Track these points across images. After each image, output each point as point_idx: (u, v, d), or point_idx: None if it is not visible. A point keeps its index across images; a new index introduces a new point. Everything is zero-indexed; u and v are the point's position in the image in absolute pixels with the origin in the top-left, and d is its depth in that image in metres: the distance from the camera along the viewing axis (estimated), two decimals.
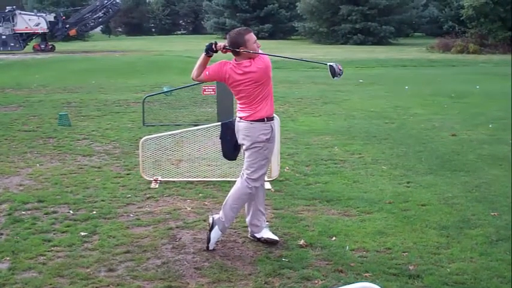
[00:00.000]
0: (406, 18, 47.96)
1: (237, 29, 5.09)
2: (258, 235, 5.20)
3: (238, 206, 5.09)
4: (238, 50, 4.86)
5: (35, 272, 4.60)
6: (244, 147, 5.07)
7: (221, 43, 4.98)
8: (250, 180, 5.00)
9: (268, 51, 5.65)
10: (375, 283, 2.88)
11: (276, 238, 5.18)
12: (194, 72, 5.10)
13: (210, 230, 5.03)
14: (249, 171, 5.02)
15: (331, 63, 4.91)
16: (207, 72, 5.04)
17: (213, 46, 4.92)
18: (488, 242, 5.15)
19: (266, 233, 5.19)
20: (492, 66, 24.03)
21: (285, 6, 54.85)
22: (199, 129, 7.72)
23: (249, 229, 5.29)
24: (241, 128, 5.02)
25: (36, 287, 4.33)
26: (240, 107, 5.05)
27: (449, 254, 4.92)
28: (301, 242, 5.17)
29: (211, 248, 5.00)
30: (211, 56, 5.01)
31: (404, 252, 4.95)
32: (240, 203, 5.09)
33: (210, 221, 5.06)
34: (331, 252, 4.99)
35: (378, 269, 4.61)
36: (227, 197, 5.13)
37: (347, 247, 5.07)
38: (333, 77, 4.92)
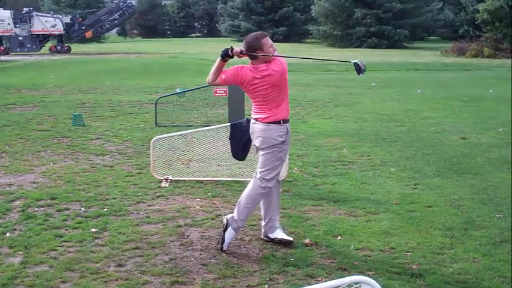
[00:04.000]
0: (421, 21, 47.79)
1: (254, 33, 5.12)
2: (271, 235, 5.26)
3: (252, 205, 5.15)
4: (255, 53, 4.92)
5: (46, 266, 4.74)
6: (259, 148, 5.11)
7: (237, 48, 5.03)
8: (264, 181, 5.06)
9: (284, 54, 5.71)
10: (376, 281, 2.95)
11: (290, 238, 5.23)
12: (210, 77, 5.13)
13: (224, 230, 5.08)
14: (263, 172, 5.06)
15: (355, 61, 4.97)
16: (223, 76, 5.07)
17: (230, 51, 4.96)
18: (491, 243, 5.20)
19: (280, 234, 5.25)
20: (506, 71, 23.89)
21: (300, 9, 54.90)
22: (209, 129, 7.84)
23: (263, 230, 5.35)
24: (257, 129, 5.06)
25: (47, 281, 4.46)
26: (256, 109, 5.08)
27: (452, 254, 4.99)
28: (307, 241, 5.26)
29: (225, 248, 5.06)
30: (226, 61, 5.05)
31: (408, 252, 5.03)
32: (253, 203, 5.15)
33: (224, 221, 5.12)
34: (335, 251, 5.08)
35: (381, 268, 4.69)
36: (240, 197, 5.19)
37: (351, 246, 5.15)
38: (359, 74, 4.98)
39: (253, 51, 4.93)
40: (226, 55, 4.97)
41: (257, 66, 4.97)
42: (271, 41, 4.99)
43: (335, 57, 31.07)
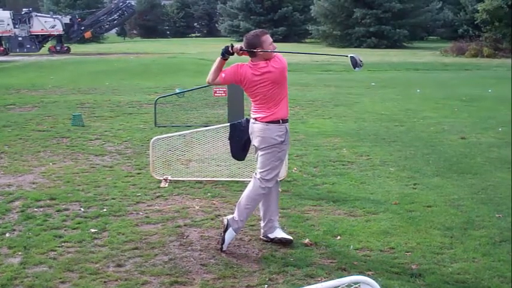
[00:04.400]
0: (421, 21, 47.83)
1: (254, 31, 5.16)
2: (271, 235, 5.26)
3: (252, 206, 5.15)
4: (255, 50, 4.93)
5: (46, 266, 4.74)
6: (258, 148, 5.10)
7: (237, 45, 5.05)
8: (263, 181, 5.05)
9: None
10: (376, 281, 2.95)
11: (290, 237, 5.23)
12: (210, 76, 5.12)
13: (225, 231, 5.07)
14: (262, 172, 5.05)
15: (352, 55, 4.96)
16: (223, 75, 5.07)
17: (230, 49, 4.98)
18: (491, 243, 5.20)
19: (279, 233, 5.25)
20: (506, 71, 23.90)
21: (299, 9, 54.89)
22: (208, 130, 7.85)
23: (262, 230, 5.35)
24: (257, 129, 5.06)
25: (47, 281, 4.46)
26: (255, 108, 5.08)
27: (452, 254, 4.98)
28: (306, 241, 5.26)
29: (225, 249, 5.05)
30: (227, 59, 5.06)
31: (407, 252, 5.03)
32: (253, 203, 5.14)
33: (225, 222, 5.09)
34: (335, 251, 5.07)
35: (381, 268, 4.69)
36: (241, 198, 5.18)
37: (351, 246, 5.15)
38: (354, 68, 4.95)
39: (253, 48, 4.94)
40: (226, 52, 4.99)
41: (257, 63, 4.98)
42: (271, 39, 5.01)
43: (334, 58, 31.09)
